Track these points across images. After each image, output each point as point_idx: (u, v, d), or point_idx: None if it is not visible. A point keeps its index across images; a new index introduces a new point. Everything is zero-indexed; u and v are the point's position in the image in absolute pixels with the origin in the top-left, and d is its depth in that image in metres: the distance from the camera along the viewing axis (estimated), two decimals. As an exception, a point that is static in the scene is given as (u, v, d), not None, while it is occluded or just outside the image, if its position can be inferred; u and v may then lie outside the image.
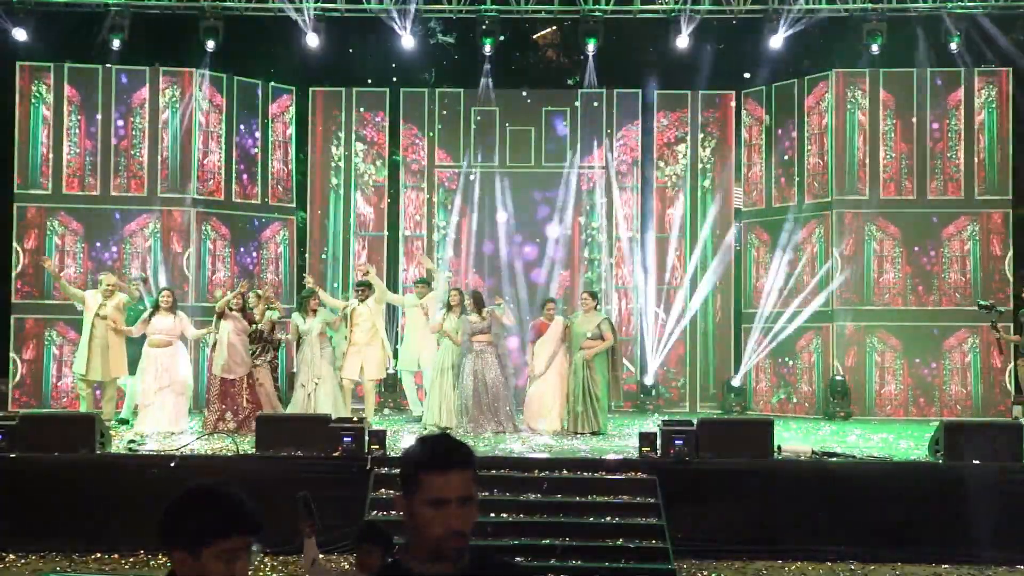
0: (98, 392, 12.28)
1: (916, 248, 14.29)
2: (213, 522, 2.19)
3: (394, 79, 15.49)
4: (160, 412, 11.28)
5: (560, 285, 15.14)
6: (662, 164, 15.48)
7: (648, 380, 14.97)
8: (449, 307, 11.86)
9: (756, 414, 14.42)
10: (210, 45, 14.21)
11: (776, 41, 14.32)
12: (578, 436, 11.20)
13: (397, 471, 2.36)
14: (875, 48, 14.15)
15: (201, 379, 13.42)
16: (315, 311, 11.62)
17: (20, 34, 13.95)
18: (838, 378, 14.03)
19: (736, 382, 14.89)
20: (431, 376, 11.94)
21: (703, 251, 15.29)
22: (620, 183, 15.36)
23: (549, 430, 11.49)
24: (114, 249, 14.23)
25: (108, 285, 11.69)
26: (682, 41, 14.43)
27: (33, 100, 14.28)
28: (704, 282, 15.26)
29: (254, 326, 11.57)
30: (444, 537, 2.29)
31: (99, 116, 14.31)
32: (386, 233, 15.49)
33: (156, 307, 11.57)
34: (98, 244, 14.24)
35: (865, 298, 14.23)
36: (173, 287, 12.51)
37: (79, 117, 14.32)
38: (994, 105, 14.31)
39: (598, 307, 12.00)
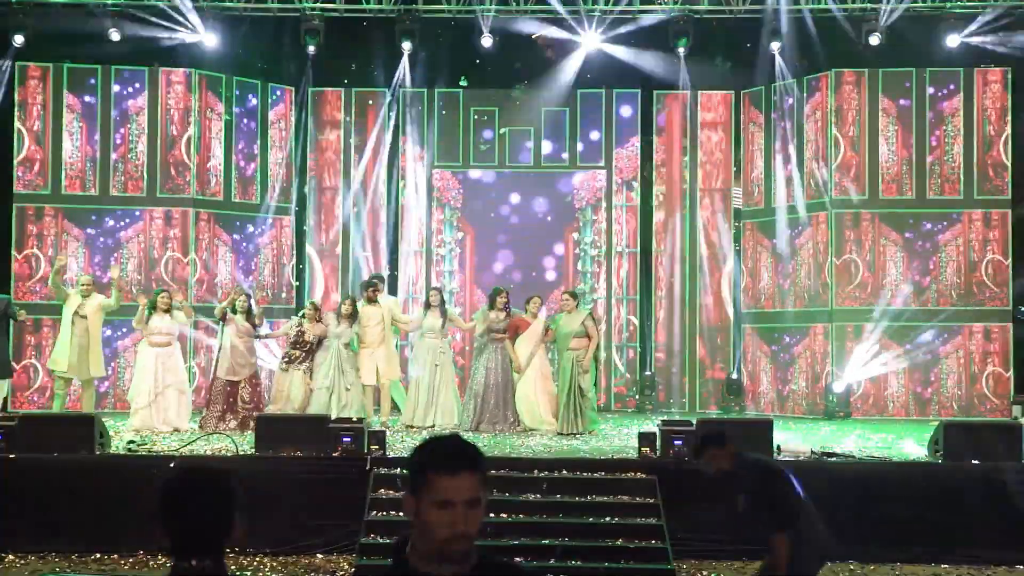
0: (74, 391, 12.29)
1: (915, 247, 14.29)
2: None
3: (394, 79, 15.45)
4: (164, 411, 11.35)
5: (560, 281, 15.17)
6: (661, 164, 15.48)
7: (647, 380, 14.97)
8: (429, 306, 11.95)
9: (755, 414, 14.42)
10: (210, 40, 14.14)
11: (775, 42, 14.34)
12: (575, 437, 11.19)
13: (404, 470, 2.35)
14: (873, 44, 14.15)
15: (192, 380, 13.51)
16: (349, 317, 11.68)
17: (18, 39, 13.92)
18: (837, 378, 14.02)
19: (735, 375, 14.93)
20: (419, 376, 11.97)
21: (702, 251, 15.29)
22: (619, 182, 15.36)
23: (547, 430, 11.49)
24: (113, 248, 14.22)
25: (84, 285, 11.65)
26: (680, 42, 14.44)
27: (32, 100, 14.27)
28: (703, 282, 15.27)
29: (303, 336, 11.59)
30: (450, 539, 2.28)
31: (98, 116, 14.31)
32: (384, 233, 15.47)
33: (154, 307, 11.56)
34: (97, 245, 14.24)
35: (864, 297, 14.22)
36: (169, 288, 12.51)
37: (78, 118, 14.31)
38: (994, 104, 14.31)
39: (579, 304, 12.00)
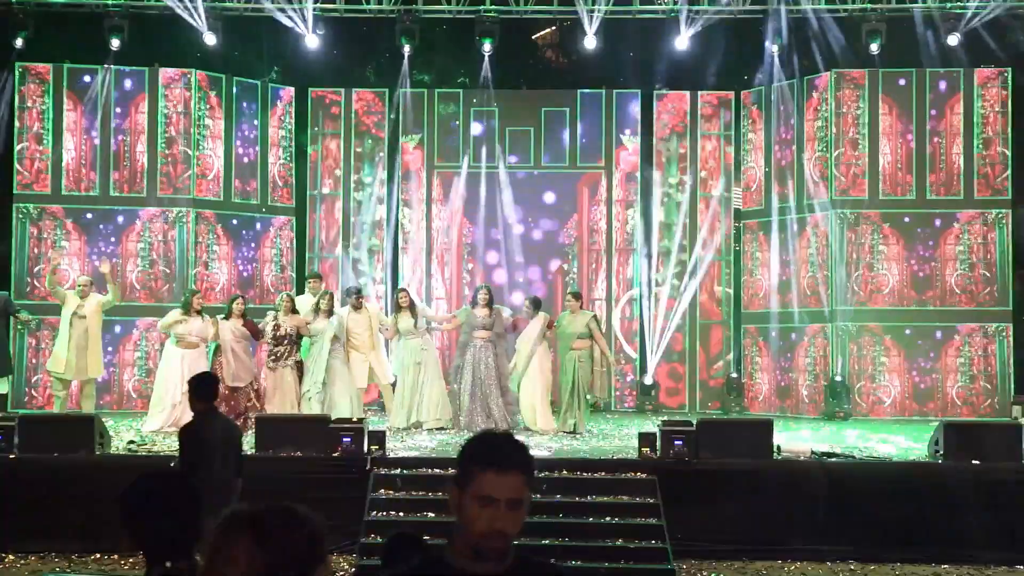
0: (74, 390, 12.30)
1: (916, 247, 14.29)
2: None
3: (393, 79, 15.44)
4: (182, 413, 11.27)
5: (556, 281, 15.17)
6: (661, 163, 15.47)
7: (647, 380, 14.96)
8: (399, 308, 11.97)
9: (755, 414, 14.41)
10: (208, 40, 14.11)
11: (774, 41, 14.35)
12: (575, 437, 11.20)
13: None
14: (875, 47, 14.15)
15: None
16: (328, 312, 11.65)
17: (19, 40, 13.91)
18: (837, 378, 14.02)
19: (734, 373, 14.94)
20: (399, 377, 11.99)
21: (702, 250, 15.29)
22: (619, 182, 15.36)
23: (544, 429, 11.51)
24: (113, 248, 14.22)
25: (83, 286, 11.66)
26: (681, 41, 14.44)
27: (32, 100, 14.27)
28: (703, 281, 15.26)
29: (279, 331, 11.50)
30: (487, 536, 2.28)
31: (98, 116, 14.28)
32: (384, 233, 15.45)
33: (188, 309, 11.48)
34: (97, 244, 14.23)
35: (864, 297, 14.23)
36: (197, 291, 12.38)
37: (78, 117, 14.31)
38: (994, 104, 14.31)
39: (583, 306, 12.01)
